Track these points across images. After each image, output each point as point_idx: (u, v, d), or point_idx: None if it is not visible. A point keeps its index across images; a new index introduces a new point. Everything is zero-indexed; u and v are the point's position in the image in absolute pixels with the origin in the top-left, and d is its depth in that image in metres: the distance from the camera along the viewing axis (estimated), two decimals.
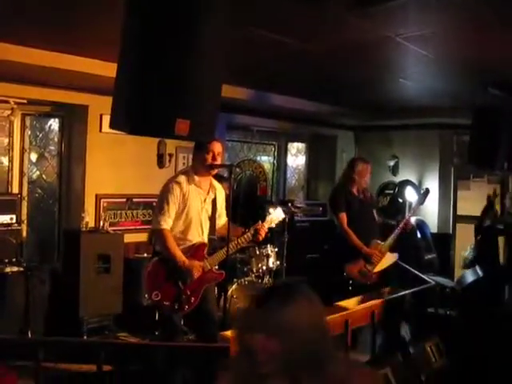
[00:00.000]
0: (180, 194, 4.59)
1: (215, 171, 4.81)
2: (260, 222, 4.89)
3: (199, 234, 4.74)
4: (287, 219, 6.10)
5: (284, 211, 5.13)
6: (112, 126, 2.95)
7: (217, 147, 4.64)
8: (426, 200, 6.56)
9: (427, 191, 6.51)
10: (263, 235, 4.87)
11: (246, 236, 4.81)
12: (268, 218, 4.95)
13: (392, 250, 6.16)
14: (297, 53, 5.03)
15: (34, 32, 4.69)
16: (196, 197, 4.68)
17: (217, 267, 4.79)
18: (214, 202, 4.84)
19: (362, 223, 6.18)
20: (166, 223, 4.56)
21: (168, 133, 2.83)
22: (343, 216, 6.12)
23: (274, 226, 5.10)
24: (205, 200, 4.75)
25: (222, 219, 4.98)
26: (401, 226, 6.12)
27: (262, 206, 7.92)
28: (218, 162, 4.69)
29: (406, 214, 6.65)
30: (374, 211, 6.49)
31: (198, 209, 4.70)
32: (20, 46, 5.03)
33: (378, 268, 6.06)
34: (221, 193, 4.96)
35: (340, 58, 5.25)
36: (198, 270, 4.59)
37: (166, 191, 4.63)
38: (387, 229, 6.44)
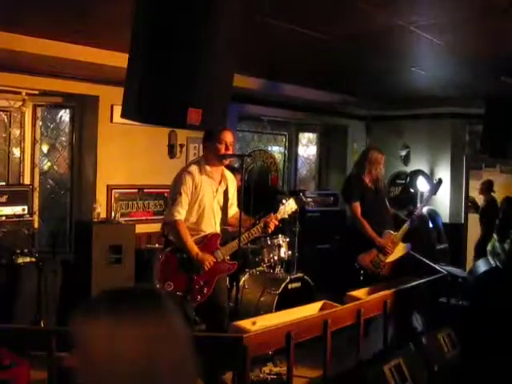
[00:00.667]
0: (192, 185, 4.59)
1: (227, 161, 4.80)
2: (272, 213, 4.88)
3: (212, 225, 4.75)
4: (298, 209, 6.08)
5: (298, 201, 5.12)
6: (124, 115, 2.95)
7: (228, 137, 4.63)
8: (438, 190, 6.53)
9: (440, 181, 6.47)
10: (273, 228, 4.86)
11: (256, 228, 4.80)
12: (281, 209, 4.95)
13: (404, 240, 6.14)
14: (308, 42, 5.00)
15: (45, 23, 4.69)
16: (208, 187, 4.68)
17: (228, 258, 4.79)
18: (225, 192, 4.83)
19: (376, 213, 6.15)
20: (180, 214, 4.57)
21: (180, 122, 2.82)
22: (357, 205, 6.09)
23: (286, 216, 5.10)
24: (217, 190, 4.75)
25: (232, 208, 4.98)
26: (414, 215, 6.10)
27: (274, 196, 7.91)
28: (230, 151, 4.69)
29: (418, 204, 6.62)
30: (387, 201, 6.46)
31: (211, 199, 4.70)
32: (31, 36, 5.04)
33: (391, 258, 6.04)
34: (232, 183, 4.96)
35: (352, 47, 5.22)
36: (209, 262, 4.59)
37: (178, 182, 4.63)
38: (398, 220, 6.43)
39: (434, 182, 6.69)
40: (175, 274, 4.59)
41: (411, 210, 6.26)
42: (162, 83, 2.72)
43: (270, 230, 4.86)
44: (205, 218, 4.68)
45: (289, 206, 4.99)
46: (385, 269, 6.02)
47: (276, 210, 4.91)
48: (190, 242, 4.56)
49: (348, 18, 4.34)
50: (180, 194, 4.57)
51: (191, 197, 4.60)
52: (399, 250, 6.08)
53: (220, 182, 4.78)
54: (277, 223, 4.87)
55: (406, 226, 6.07)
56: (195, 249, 4.55)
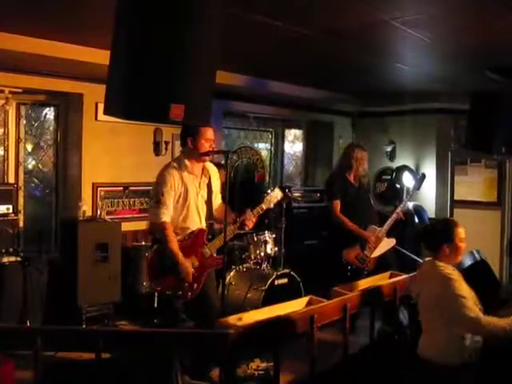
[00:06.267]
0: (174, 183, 4.59)
1: (211, 157, 4.81)
2: (248, 210, 4.89)
3: (197, 221, 4.75)
4: (284, 205, 6.09)
5: (284, 194, 5.15)
6: (106, 112, 2.93)
7: (211, 133, 4.65)
8: (422, 185, 6.56)
9: (423, 176, 6.53)
10: (251, 226, 4.88)
11: (234, 226, 4.82)
12: (266, 199, 4.96)
13: (390, 235, 6.16)
14: (292, 38, 5.00)
15: (28, 20, 4.65)
16: (190, 183, 4.68)
17: (215, 254, 4.79)
18: (208, 185, 4.83)
19: (359, 210, 6.19)
20: (165, 215, 4.56)
21: (163, 117, 2.81)
22: (336, 203, 6.15)
23: (272, 206, 5.10)
24: (199, 185, 4.75)
25: (217, 199, 5.00)
26: (397, 210, 6.12)
27: (260, 193, 7.92)
28: (213, 148, 4.71)
29: (403, 199, 6.66)
30: (371, 198, 6.49)
31: (194, 195, 4.70)
32: (14, 34, 5.00)
33: (375, 253, 6.07)
34: (215, 174, 4.97)
35: (335, 42, 5.22)
36: (188, 270, 4.58)
37: (160, 182, 4.62)
38: (382, 216, 6.46)
39: (418, 177, 6.73)
40: (164, 273, 4.58)
41: (396, 205, 6.30)
42: (143, 79, 2.71)
43: (247, 228, 4.88)
44: (190, 215, 4.69)
45: (274, 195, 5.00)
46: (370, 264, 6.05)
47: (261, 202, 4.93)
48: (175, 247, 4.55)
49: (331, 14, 4.33)
50: (163, 195, 4.56)
51: (174, 195, 4.60)
52: (384, 245, 6.11)
53: (201, 177, 4.78)
54: (254, 220, 4.88)
55: (390, 220, 6.09)
56: (179, 253, 4.54)
